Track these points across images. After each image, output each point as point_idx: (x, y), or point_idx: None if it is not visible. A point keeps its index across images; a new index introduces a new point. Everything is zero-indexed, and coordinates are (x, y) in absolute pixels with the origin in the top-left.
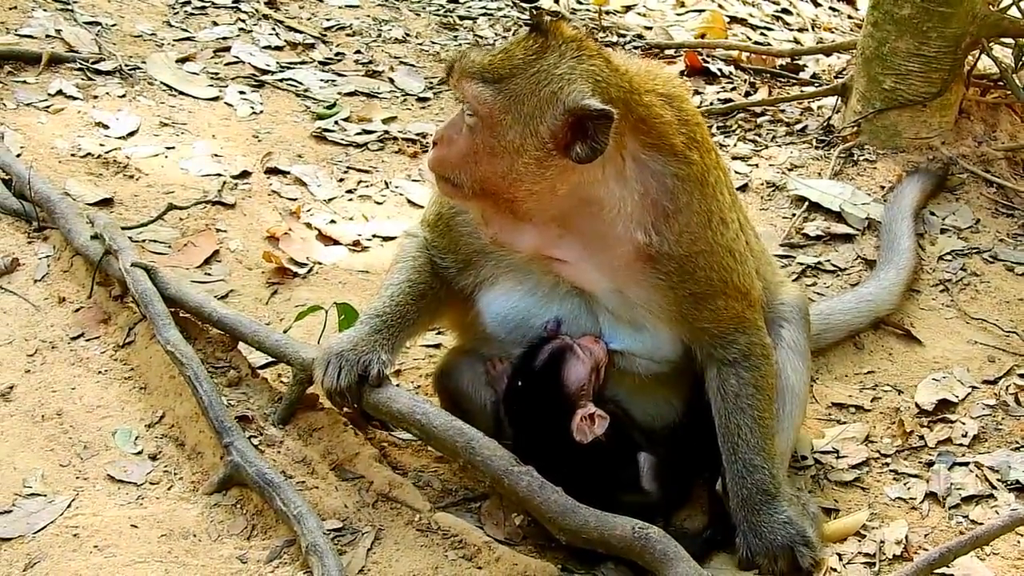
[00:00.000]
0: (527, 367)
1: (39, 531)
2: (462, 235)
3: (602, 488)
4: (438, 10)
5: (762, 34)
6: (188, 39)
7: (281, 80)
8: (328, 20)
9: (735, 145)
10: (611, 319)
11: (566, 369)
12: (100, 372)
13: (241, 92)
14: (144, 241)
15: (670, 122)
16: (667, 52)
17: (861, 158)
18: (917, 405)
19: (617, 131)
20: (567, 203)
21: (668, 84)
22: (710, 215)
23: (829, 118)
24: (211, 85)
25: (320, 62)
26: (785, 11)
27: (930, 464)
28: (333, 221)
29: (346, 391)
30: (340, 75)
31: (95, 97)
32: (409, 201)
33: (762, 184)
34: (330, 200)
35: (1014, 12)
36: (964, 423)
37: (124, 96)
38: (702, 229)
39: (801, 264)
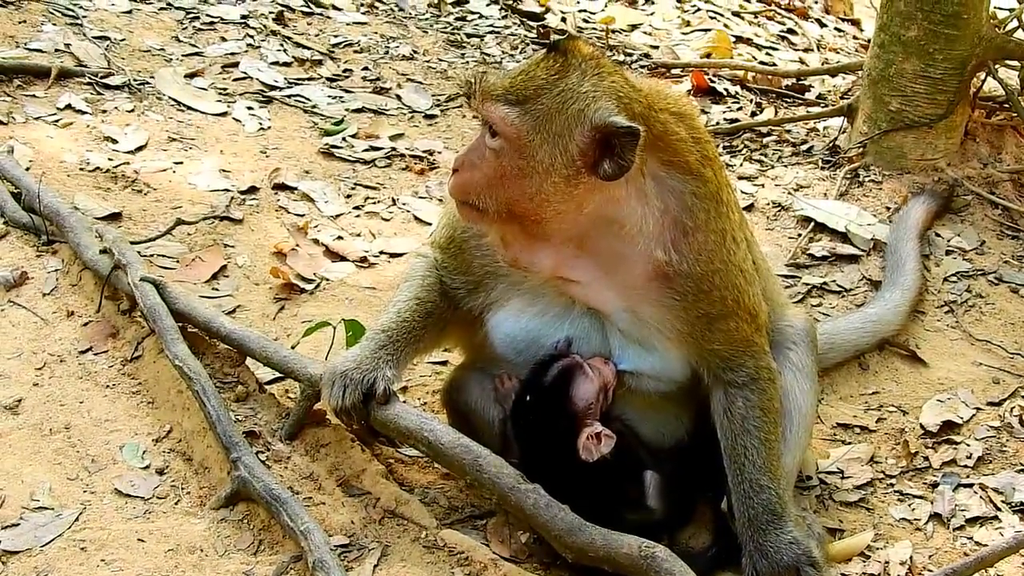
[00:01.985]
0: (536, 383)
1: (46, 544)
2: (475, 257)
3: (608, 506)
4: (445, 28)
5: (768, 54)
6: (196, 54)
7: (289, 96)
8: (336, 37)
9: (741, 165)
10: (622, 339)
11: (574, 387)
12: (108, 386)
13: (249, 108)
14: (152, 256)
15: (685, 139)
16: (673, 71)
17: (867, 179)
18: (922, 426)
19: (640, 148)
20: (589, 222)
21: (678, 102)
22: (724, 233)
23: (835, 139)
24: (219, 100)
25: (328, 78)
26: (790, 31)
27: (935, 485)
28: (340, 237)
29: (352, 409)
30: (348, 91)
31: (104, 111)
32: (416, 218)
33: (768, 204)
34: (337, 216)
35: (1020, 34)
36: (969, 444)
37: (133, 111)
38: (718, 247)
39: (807, 284)
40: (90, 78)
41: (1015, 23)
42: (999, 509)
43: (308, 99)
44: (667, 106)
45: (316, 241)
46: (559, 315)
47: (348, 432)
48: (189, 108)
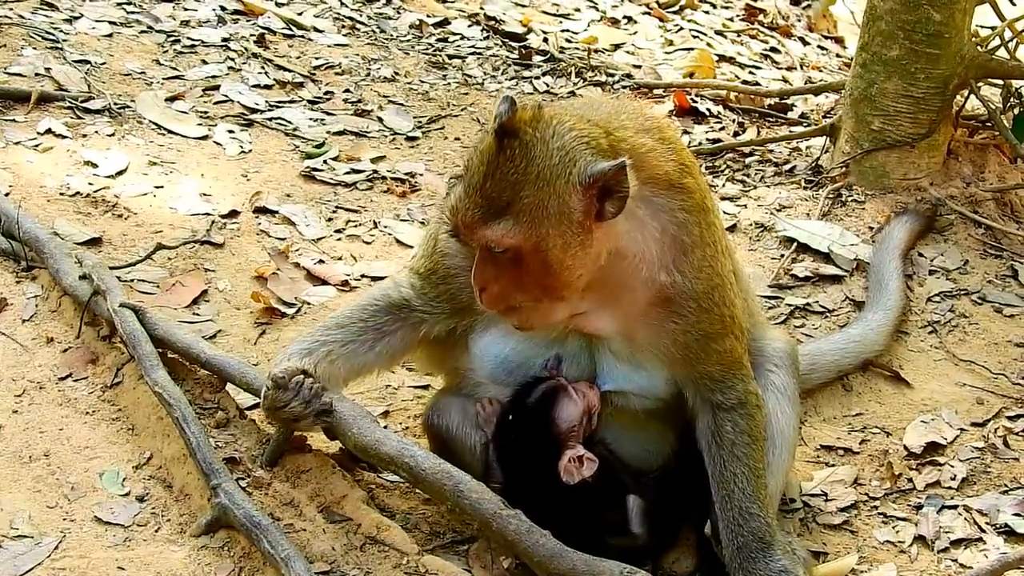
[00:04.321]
0: (520, 403)
1: (26, 573)
2: (462, 287)
3: (590, 531)
4: (427, 49)
5: (751, 72)
6: (177, 78)
7: (270, 119)
8: (317, 59)
9: (724, 185)
10: (612, 359)
11: (558, 408)
12: (88, 413)
13: (230, 131)
14: (132, 281)
15: (655, 149)
16: (656, 91)
17: (849, 199)
18: (905, 447)
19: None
20: (601, 266)
21: (639, 116)
22: (716, 245)
23: (818, 158)
24: (200, 124)
25: (309, 101)
26: (774, 50)
27: (919, 507)
28: (322, 261)
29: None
30: (329, 114)
31: (84, 136)
32: (398, 241)
33: (750, 225)
34: (319, 240)
35: (1002, 53)
36: (953, 466)
37: (113, 135)
38: (713, 261)
39: (789, 305)
40: (70, 102)
41: (997, 42)
42: (983, 531)
43: (289, 122)
44: (624, 123)
45: (297, 265)
46: (548, 336)
47: (329, 458)
48: (170, 132)
